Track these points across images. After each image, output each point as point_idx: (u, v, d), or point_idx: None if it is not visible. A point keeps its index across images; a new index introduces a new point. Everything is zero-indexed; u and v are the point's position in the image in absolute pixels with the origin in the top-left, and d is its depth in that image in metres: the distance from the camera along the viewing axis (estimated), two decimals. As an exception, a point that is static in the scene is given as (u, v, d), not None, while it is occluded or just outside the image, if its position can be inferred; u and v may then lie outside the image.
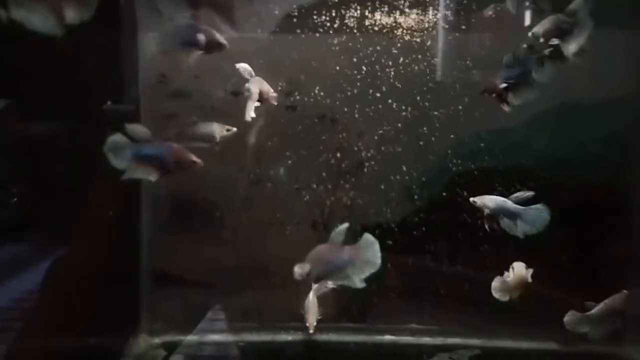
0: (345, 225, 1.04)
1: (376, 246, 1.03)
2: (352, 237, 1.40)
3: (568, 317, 1.20)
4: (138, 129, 1.05)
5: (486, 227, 1.16)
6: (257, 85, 1.18)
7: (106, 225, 1.35)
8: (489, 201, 1.16)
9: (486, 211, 1.16)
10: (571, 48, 1.13)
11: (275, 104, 1.22)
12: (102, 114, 1.31)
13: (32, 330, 1.18)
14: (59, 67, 1.19)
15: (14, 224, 1.27)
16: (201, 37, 1.13)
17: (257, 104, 1.18)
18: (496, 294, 1.20)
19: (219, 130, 1.15)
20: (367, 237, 1.04)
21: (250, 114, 1.16)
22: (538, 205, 1.13)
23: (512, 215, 1.14)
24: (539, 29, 1.14)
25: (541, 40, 1.14)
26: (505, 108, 1.18)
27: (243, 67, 1.17)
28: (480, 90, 1.20)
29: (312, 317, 1.23)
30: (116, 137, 1.04)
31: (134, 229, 1.45)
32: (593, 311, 1.20)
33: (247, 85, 1.17)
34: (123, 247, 1.43)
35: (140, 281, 1.46)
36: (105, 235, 1.34)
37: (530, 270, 1.20)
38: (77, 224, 1.30)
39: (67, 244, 1.30)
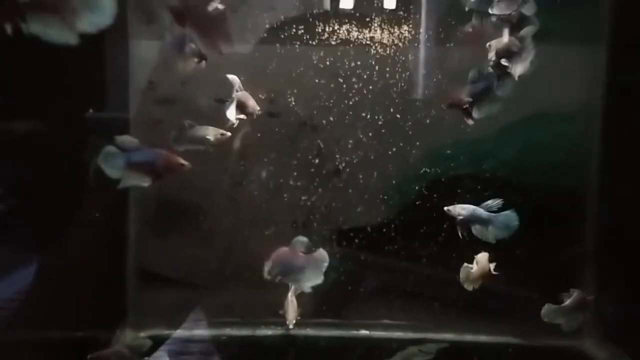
0: (305, 238, 1.21)
1: (325, 263, 1.22)
2: (329, 235, 1.51)
3: (545, 309, 1.26)
4: (127, 139, 1.12)
5: (459, 234, 1.23)
6: (243, 98, 1.23)
7: (94, 224, 1.40)
8: (461, 209, 1.23)
9: (459, 218, 1.22)
10: (517, 70, 1.22)
11: (258, 112, 1.27)
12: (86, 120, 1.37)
13: (20, 323, 1.23)
14: (48, 70, 1.23)
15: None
16: (190, 47, 1.19)
17: (242, 116, 1.24)
18: (463, 283, 1.27)
19: (214, 133, 1.22)
20: (321, 252, 1.23)
21: (232, 119, 1.21)
22: (508, 212, 1.20)
23: (484, 222, 1.21)
24: (494, 45, 1.23)
25: (493, 58, 1.22)
26: (470, 122, 1.26)
27: (232, 78, 1.23)
28: (447, 104, 1.28)
29: (291, 315, 1.30)
30: (108, 149, 1.10)
31: (121, 228, 1.50)
32: (567, 303, 1.27)
33: (233, 95, 1.23)
34: (111, 245, 1.48)
35: (127, 278, 1.51)
36: (93, 234, 1.39)
37: (493, 264, 1.26)
38: (65, 225, 1.35)
39: (56, 244, 1.35)
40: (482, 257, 1.26)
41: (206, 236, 1.51)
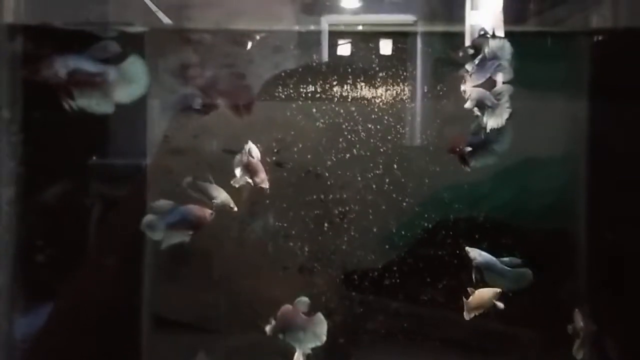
0: (306, 299, 1.30)
1: (324, 326, 1.31)
2: (337, 279, 1.56)
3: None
4: (162, 203, 1.28)
5: (473, 277, 1.31)
6: (255, 166, 1.32)
7: (111, 269, 1.46)
8: (478, 254, 1.31)
9: (475, 262, 1.30)
10: (489, 123, 1.31)
11: (267, 190, 1.36)
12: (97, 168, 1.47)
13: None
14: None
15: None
16: (198, 101, 1.30)
17: (249, 182, 1.32)
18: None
19: (222, 200, 1.32)
20: (319, 315, 1.32)
21: (237, 183, 1.30)
22: (523, 270, 1.30)
23: (498, 273, 1.30)
24: (469, 92, 1.31)
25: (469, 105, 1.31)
26: (467, 169, 1.34)
27: (250, 147, 1.32)
28: (448, 149, 1.36)
29: None
30: (148, 218, 1.26)
31: (136, 275, 1.56)
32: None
33: (244, 159, 1.30)
34: (125, 291, 1.54)
35: (141, 324, 1.55)
36: (110, 278, 1.45)
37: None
38: (83, 269, 1.41)
39: (72, 288, 1.40)
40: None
41: (215, 281, 1.56)
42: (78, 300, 1.42)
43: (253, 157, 1.32)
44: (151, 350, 1.56)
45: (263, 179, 1.33)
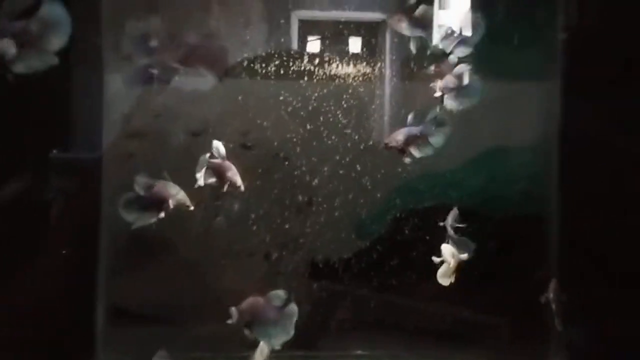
0: (284, 292, 1.22)
1: (295, 318, 1.21)
2: (304, 266, 1.51)
3: None
4: (144, 179, 1.19)
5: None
6: (223, 167, 1.24)
7: (62, 260, 1.38)
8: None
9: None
10: (451, 105, 1.34)
11: (242, 189, 1.28)
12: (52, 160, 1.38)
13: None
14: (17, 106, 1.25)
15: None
16: (154, 71, 1.22)
17: (213, 180, 1.23)
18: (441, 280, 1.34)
19: (178, 199, 1.23)
20: (292, 307, 1.22)
21: (200, 182, 1.22)
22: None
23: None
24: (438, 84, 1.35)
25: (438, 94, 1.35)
26: (406, 160, 1.33)
27: (217, 146, 1.24)
28: (384, 144, 1.37)
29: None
30: (128, 195, 1.19)
31: (91, 263, 1.48)
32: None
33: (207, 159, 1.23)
34: (80, 280, 1.45)
35: (97, 313, 1.48)
36: (61, 269, 1.37)
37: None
38: (32, 260, 1.33)
39: (22, 279, 1.32)
40: (446, 248, 1.34)
41: (178, 269, 1.49)
42: (26, 292, 1.33)
43: (218, 158, 1.24)
44: (106, 343, 1.48)
45: (233, 180, 1.25)
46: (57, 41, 1.01)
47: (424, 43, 1.40)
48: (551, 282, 1.40)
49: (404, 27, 1.36)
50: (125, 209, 1.20)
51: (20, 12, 0.99)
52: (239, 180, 1.25)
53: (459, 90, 1.37)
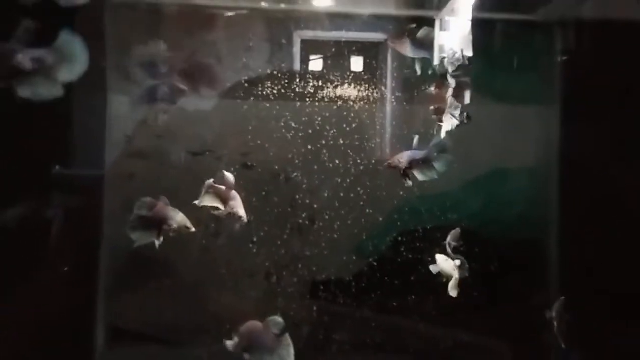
0: (281, 320, 1.20)
1: (291, 349, 1.21)
2: (304, 287, 1.51)
3: None
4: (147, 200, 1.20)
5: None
6: (229, 196, 1.22)
7: (63, 279, 1.38)
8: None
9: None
10: (444, 127, 1.34)
11: (244, 221, 1.25)
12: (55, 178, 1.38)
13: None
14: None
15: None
16: (164, 90, 1.23)
17: (222, 210, 1.22)
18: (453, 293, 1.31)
19: (180, 223, 1.23)
20: (287, 338, 1.21)
21: (202, 202, 1.21)
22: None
23: None
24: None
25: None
26: (408, 183, 1.34)
27: (227, 176, 1.22)
28: (386, 164, 1.37)
29: None
30: (134, 217, 1.19)
31: (91, 282, 1.47)
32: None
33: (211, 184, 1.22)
34: (80, 299, 1.45)
35: (96, 332, 1.47)
36: (61, 288, 1.37)
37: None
38: (32, 280, 1.33)
39: (22, 299, 1.32)
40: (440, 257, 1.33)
41: (178, 289, 1.49)
42: (26, 310, 1.33)
43: (224, 186, 1.22)
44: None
45: (238, 211, 1.23)
46: (69, 74, 1.02)
47: (425, 64, 1.41)
48: (557, 301, 1.38)
49: (407, 49, 1.37)
50: (130, 228, 1.20)
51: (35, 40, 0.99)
52: (242, 212, 1.23)
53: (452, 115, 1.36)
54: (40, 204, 1.38)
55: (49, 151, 1.38)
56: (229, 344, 1.20)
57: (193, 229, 1.24)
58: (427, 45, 1.37)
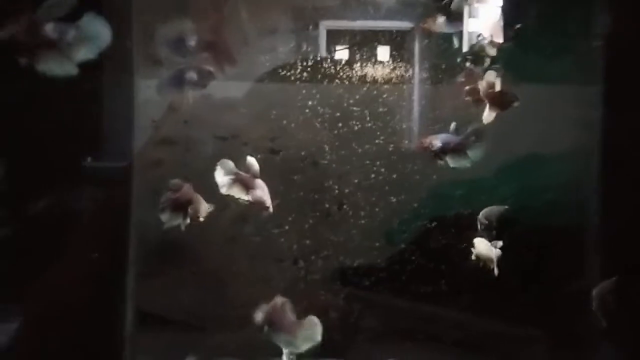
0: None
1: (318, 328, 1.18)
2: (333, 273, 1.49)
3: None
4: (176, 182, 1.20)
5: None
6: (253, 184, 1.20)
7: (92, 267, 1.39)
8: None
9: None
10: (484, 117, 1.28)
11: (270, 210, 1.24)
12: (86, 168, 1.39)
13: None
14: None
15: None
16: (191, 75, 1.22)
17: (246, 199, 1.20)
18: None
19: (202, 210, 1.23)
20: (312, 319, 1.18)
21: (220, 183, 1.20)
22: None
23: None
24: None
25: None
26: (440, 162, 1.29)
27: (251, 162, 1.21)
28: (417, 144, 1.33)
29: None
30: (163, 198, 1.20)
31: (121, 269, 1.48)
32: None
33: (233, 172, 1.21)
34: (109, 285, 1.46)
35: (125, 318, 1.48)
36: (90, 276, 1.39)
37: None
38: (61, 266, 1.34)
39: (51, 285, 1.33)
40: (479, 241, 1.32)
41: (206, 275, 1.49)
42: (55, 297, 1.34)
43: (248, 174, 1.20)
44: (134, 347, 1.48)
45: (265, 200, 1.21)
46: (85, 53, 1.00)
47: (455, 50, 1.39)
48: (598, 286, 1.33)
49: (442, 25, 1.33)
50: (160, 210, 1.21)
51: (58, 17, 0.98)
52: (268, 201, 1.21)
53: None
54: (71, 193, 1.39)
55: (79, 140, 1.39)
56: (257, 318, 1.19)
57: (211, 209, 1.23)
58: (461, 16, 1.34)
